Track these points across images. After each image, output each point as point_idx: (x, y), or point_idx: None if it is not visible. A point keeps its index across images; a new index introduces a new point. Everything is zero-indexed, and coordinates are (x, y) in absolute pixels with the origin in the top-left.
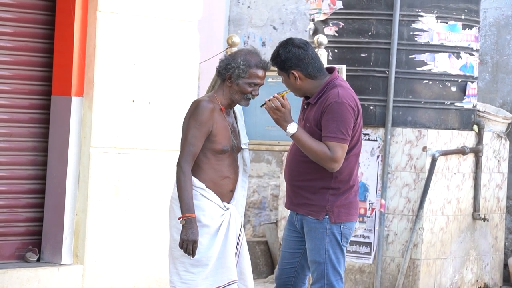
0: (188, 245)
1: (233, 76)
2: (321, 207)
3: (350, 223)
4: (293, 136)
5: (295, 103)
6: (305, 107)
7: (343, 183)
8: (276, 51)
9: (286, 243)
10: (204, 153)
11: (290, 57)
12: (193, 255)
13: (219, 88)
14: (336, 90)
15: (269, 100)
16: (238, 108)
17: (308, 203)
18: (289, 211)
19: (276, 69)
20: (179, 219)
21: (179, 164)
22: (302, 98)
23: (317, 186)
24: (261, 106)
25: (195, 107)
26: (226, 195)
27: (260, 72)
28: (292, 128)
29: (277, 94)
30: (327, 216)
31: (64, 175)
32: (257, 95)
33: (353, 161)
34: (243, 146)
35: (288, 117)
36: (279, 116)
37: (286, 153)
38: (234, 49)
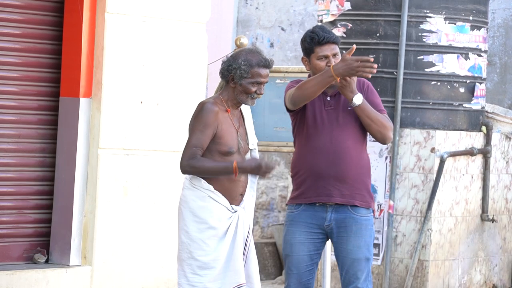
0: (260, 169)
1: (236, 77)
2: (370, 201)
3: None
4: (359, 106)
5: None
6: (328, 99)
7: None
8: None
9: (303, 247)
10: (211, 155)
11: None
12: (270, 167)
13: (224, 90)
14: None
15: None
16: (246, 108)
17: (362, 194)
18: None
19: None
20: (235, 175)
21: (181, 164)
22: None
23: (365, 180)
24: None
25: (200, 109)
26: (236, 198)
27: (263, 71)
28: (358, 98)
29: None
30: (371, 213)
31: (72, 176)
32: (262, 93)
33: None
34: (251, 147)
35: (354, 88)
36: (344, 85)
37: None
38: None
